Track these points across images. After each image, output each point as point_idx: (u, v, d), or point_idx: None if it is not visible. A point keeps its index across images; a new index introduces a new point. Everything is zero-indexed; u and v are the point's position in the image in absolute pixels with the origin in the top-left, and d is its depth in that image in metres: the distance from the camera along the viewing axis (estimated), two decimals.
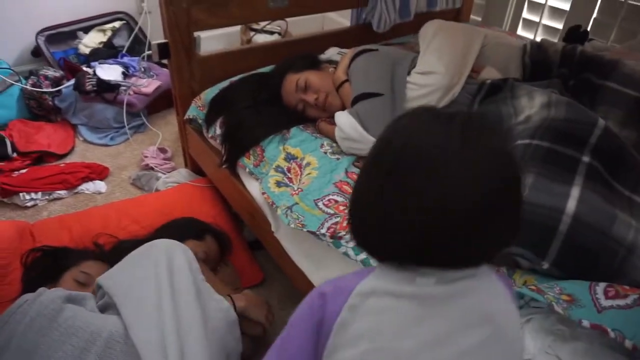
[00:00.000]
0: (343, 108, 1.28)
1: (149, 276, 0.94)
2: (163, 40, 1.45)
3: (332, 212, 1.04)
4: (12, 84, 2.02)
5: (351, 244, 0.96)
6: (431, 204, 0.49)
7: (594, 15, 1.81)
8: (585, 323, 0.74)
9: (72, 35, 2.31)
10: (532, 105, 1.02)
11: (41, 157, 1.89)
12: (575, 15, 1.86)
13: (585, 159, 0.89)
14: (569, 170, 0.88)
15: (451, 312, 0.53)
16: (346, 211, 1.02)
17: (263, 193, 1.15)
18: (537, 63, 1.30)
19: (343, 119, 1.17)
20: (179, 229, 1.29)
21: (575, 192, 0.84)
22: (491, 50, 1.33)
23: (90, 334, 0.84)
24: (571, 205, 0.83)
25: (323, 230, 0.99)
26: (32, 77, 2.06)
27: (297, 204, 1.07)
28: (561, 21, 1.91)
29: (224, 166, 1.37)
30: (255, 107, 1.36)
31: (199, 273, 1.00)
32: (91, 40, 2.29)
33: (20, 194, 1.66)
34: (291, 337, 0.60)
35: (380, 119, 1.13)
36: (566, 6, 1.87)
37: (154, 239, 1.09)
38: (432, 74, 1.22)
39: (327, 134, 1.27)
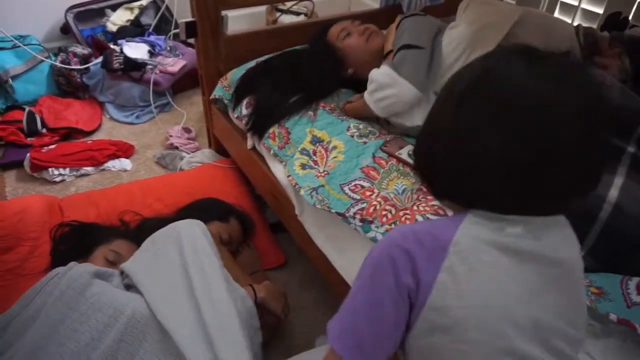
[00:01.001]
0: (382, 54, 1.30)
1: (173, 261, 0.95)
2: (190, 19, 1.44)
3: (358, 197, 1.02)
4: (42, 61, 2.05)
5: (381, 229, 0.94)
6: (528, 143, 0.51)
7: None
8: (613, 317, 0.72)
9: (100, 13, 2.32)
10: None
11: (69, 134, 1.92)
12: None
13: (631, 149, 0.86)
14: (614, 158, 0.85)
15: (539, 267, 0.55)
16: (375, 197, 1.01)
17: (288, 176, 1.15)
18: (590, 46, 1.24)
19: (376, 70, 1.19)
20: (204, 210, 1.29)
21: (618, 181, 0.82)
22: (540, 20, 1.27)
23: (114, 310, 0.86)
24: (613, 193, 0.81)
25: (352, 213, 0.98)
26: (61, 53, 2.08)
27: (322, 186, 1.06)
28: (601, 5, 1.82)
29: (250, 135, 1.38)
30: (282, 83, 1.36)
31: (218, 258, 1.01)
32: (119, 18, 2.29)
33: (49, 169, 1.70)
34: (379, 305, 0.56)
35: (416, 66, 1.14)
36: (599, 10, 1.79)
37: (178, 218, 1.10)
38: (457, 27, 1.23)
39: (354, 111, 1.27)
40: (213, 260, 0.97)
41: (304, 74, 1.37)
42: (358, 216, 0.97)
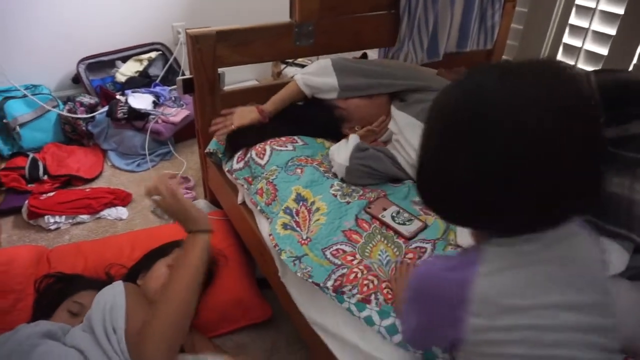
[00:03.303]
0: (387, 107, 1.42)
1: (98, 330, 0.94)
2: (188, 76, 1.49)
3: (339, 262, 1.00)
4: (50, 109, 2.12)
5: (354, 300, 0.92)
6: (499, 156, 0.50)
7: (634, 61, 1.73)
8: None
9: (111, 64, 2.41)
10: None
11: (70, 180, 1.96)
12: (613, 60, 1.78)
13: None
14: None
15: (562, 269, 0.56)
16: (357, 263, 0.98)
17: (270, 234, 1.13)
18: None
19: (336, 150, 1.29)
20: (147, 258, 1.33)
21: None
22: None
23: None
24: None
25: (328, 284, 0.95)
26: (69, 103, 2.16)
27: (306, 255, 1.04)
28: (606, 46, 1.83)
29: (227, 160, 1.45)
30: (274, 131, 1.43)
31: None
32: (128, 69, 2.38)
33: (45, 217, 1.71)
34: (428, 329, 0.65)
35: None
36: (604, 51, 1.80)
37: (132, 273, 1.26)
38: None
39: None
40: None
41: (301, 129, 1.40)
42: (332, 287, 0.95)
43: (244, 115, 1.44)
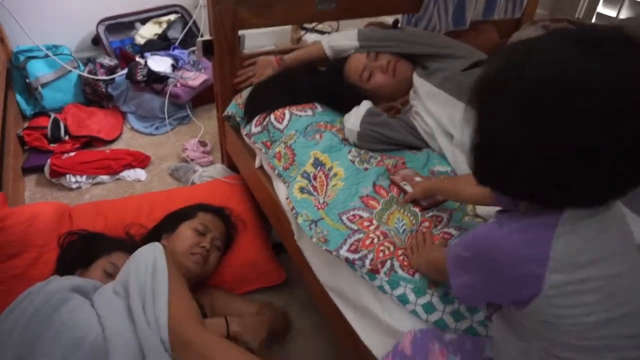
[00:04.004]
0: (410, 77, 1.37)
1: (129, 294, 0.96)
2: (207, 38, 1.47)
3: (356, 227, 1.00)
4: (71, 70, 2.13)
5: (364, 270, 0.92)
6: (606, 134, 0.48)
7: None
8: None
9: (130, 26, 2.40)
10: None
11: (90, 142, 1.98)
12: None
13: None
14: None
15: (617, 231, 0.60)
16: (374, 229, 0.98)
17: (287, 198, 1.14)
18: None
19: (348, 120, 1.28)
20: (171, 220, 1.35)
21: None
22: None
23: (82, 332, 0.86)
24: None
25: (342, 252, 0.95)
26: (89, 64, 2.16)
27: (322, 219, 1.04)
28: None
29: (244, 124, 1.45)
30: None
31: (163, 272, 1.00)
32: (147, 32, 2.37)
33: (67, 176, 1.75)
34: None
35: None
36: None
37: (154, 233, 1.28)
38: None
39: None
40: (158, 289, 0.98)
41: (323, 100, 1.41)
42: (345, 255, 0.94)
43: (262, 71, 1.51)
